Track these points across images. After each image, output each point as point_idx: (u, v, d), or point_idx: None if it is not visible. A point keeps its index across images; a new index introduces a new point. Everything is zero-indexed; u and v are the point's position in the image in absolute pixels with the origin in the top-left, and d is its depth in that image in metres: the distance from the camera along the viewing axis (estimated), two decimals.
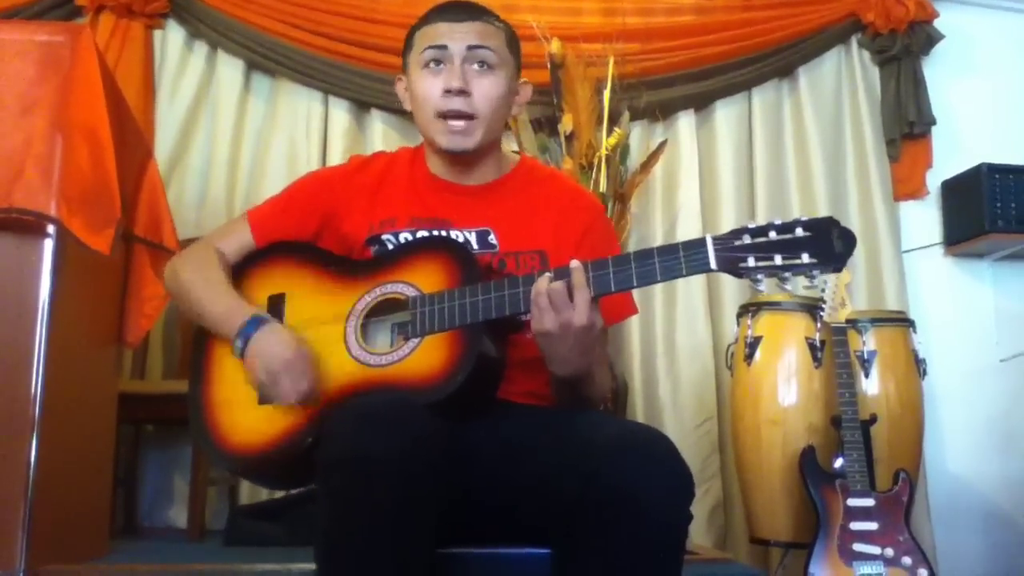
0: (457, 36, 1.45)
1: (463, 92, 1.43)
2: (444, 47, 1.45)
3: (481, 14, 1.49)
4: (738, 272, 1.17)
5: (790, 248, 1.16)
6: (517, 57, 1.54)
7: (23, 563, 1.77)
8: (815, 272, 1.16)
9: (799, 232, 1.16)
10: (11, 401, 1.82)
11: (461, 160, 1.51)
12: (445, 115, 1.44)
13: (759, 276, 1.17)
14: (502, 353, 1.35)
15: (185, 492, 2.87)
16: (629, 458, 1.15)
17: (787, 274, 1.16)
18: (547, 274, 1.24)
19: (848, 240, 1.15)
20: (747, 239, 1.17)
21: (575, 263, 1.23)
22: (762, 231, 1.17)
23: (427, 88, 1.46)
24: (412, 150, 1.61)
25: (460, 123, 1.44)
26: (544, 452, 1.25)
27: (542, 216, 1.50)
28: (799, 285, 1.19)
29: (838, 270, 1.16)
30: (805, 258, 1.15)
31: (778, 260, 1.15)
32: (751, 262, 1.16)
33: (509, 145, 2.92)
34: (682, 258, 1.20)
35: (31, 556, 1.78)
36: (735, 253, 1.17)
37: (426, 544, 1.16)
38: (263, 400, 1.37)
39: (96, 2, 3.11)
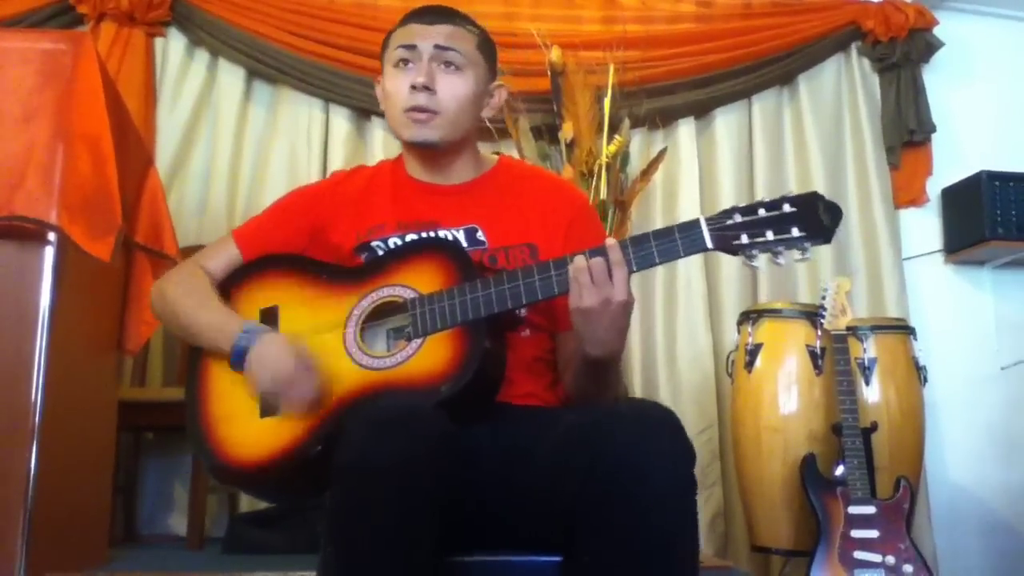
0: (427, 36, 1.49)
1: (427, 88, 1.46)
2: (413, 46, 1.49)
3: (453, 17, 1.53)
4: (733, 249, 1.23)
5: (780, 223, 1.23)
6: (490, 60, 1.56)
7: (22, 571, 1.77)
8: (806, 244, 1.22)
9: (787, 208, 1.23)
10: (11, 408, 1.82)
11: (431, 156, 1.53)
12: (409, 111, 1.47)
13: (754, 251, 1.23)
14: (503, 348, 1.36)
15: (185, 500, 2.87)
16: (627, 431, 1.16)
17: (780, 248, 1.22)
18: (583, 253, 1.26)
19: (834, 212, 1.23)
20: (739, 217, 1.23)
21: (611, 241, 1.25)
22: (752, 209, 1.24)
23: (395, 85, 1.50)
24: (392, 161, 1.62)
25: (423, 115, 1.47)
26: (546, 449, 1.25)
27: (528, 210, 1.51)
28: (791, 260, 1.24)
29: (827, 241, 1.23)
30: (795, 232, 1.22)
31: (770, 235, 1.22)
32: (744, 239, 1.23)
33: (510, 153, 2.93)
34: (678, 239, 1.25)
35: (30, 564, 1.78)
36: (729, 231, 1.23)
37: (435, 549, 1.16)
38: (266, 412, 1.36)
39: (98, 10, 3.12)
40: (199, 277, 1.50)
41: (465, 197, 1.53)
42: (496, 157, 1.62)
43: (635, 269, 1.25)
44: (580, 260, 1.24)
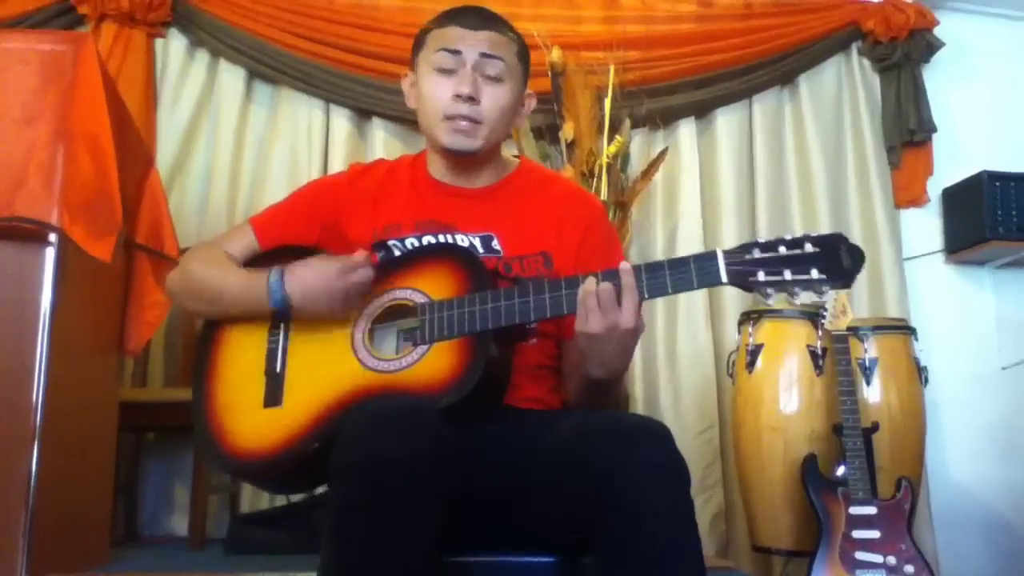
0: (471, 43, 1.46)
1: (472, 99, 1.45)
2: (458, 52, 1.46)
3: (496, 24, 1.50)
4: (748, 286, 1.20)
5: (799, 263, 1.19)
6: (526, 69, 1.55)
7: (24, 571, 1.77)
8: (824, 287, 1.19)
9: (808, 247, 1.19)
10: (12, 409, 1.82)
11: (461, 162, 1.52)
12: (451, 118, 1.46)
13: (769, 290, 1.20)
14: (509, 360, 1.36)
15: (186, 500, 2.87)
16: (626, 439, 1.17)
17: (797, 289, 1.19)
18: (595, 276, 1.25)
19: (856, 256, 1.19)
20: (757, 253, 1.20)
21: (624, 265, 1.24)
22: (772, 246, 1.20)
23: (436, 90, 1.47)
24: (413, 157, 1.62)
25: (465, 123, 1.46)
26: (548, 453, 1.26)
27: (544, 218, 1.51)
28: (806, 300, 1.23)
29: (847, 286, 1.19)
30: (814, 273, 1.18)
31: (788, 275, 1.19)
32: (761, 276, 1.19)
33: (510, 151, 2.93)
34: (693, 271, 1.22)
35: (32, 565, 1.78)
36: (746, 267, 1.20)
37: (435, 550, 1.16)
38: (269, 402, 1.36)
39: (98, 11, 3.12)
40: (221, 253, 1.51)
41: (484, 203, 1.52)
42: (517, 160, 1.62)
43: (646, 297, 1.24)
44: (590, 284, 1.24)
